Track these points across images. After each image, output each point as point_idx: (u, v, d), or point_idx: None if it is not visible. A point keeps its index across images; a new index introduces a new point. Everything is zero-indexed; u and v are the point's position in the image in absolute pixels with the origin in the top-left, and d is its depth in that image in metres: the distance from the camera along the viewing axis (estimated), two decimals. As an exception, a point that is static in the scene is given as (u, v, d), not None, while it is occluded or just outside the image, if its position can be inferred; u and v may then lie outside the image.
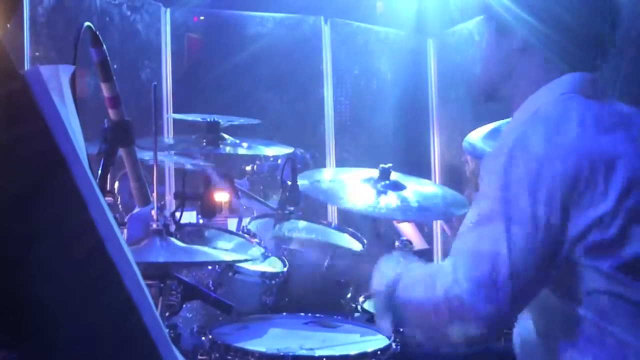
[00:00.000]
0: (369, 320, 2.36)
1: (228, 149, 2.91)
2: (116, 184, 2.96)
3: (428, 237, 4.80)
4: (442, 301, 1.42)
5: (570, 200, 1.39)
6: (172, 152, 3.39)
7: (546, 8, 1.54)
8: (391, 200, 2.71)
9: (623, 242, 1.40)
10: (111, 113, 1.60)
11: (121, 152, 1.66)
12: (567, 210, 1.39)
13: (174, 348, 0.81)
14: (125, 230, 2.78)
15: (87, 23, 1.46)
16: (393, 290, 1.57)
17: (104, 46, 1.52)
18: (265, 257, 2.64)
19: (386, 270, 1.64)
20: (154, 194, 2.01)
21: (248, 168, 4.76)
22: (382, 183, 2.79)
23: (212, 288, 2.40)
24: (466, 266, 1.41)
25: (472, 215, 1.47)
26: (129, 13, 4.41)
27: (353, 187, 2.80)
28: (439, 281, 1.44)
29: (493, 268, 1.38)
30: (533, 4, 1.55)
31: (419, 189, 2.87)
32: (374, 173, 2.84)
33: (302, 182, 2.84)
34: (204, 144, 2.90)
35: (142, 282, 0.78)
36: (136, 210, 2.68)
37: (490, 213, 1.43)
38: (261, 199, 3.49)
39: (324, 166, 4.82)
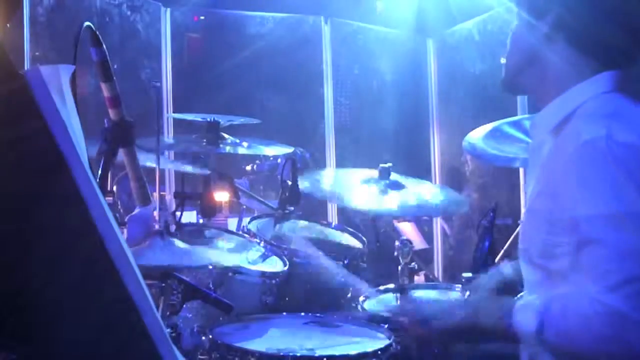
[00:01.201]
0: (369, 320, 2.36)
1: (228, 149, 2.91)
2: (115, 186, 2.96)
3: (428, 236, 4.80)
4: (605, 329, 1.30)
5: None
6: (172, 157, 3.39)
7: None
8: (391, 199, 2.71)
9: None
10: (111, 113, 1.60)
11: (121, 152, 1.65)
12: None
13: (174, 348, 0.81)
14: (125, 231, 2.78)
15: (87, 23, 1.46)
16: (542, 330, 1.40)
17: (104, 46, 1.52)
18: (265, 257, 2.64)
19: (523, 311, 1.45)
20: (156, 194, 2.01)
21: (248, 168, 4.77)
22: (382, 183, 2.79)
23: (212, 288, 2.40)
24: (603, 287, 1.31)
25: (594, 246, 1.35)
26: (129, 13, 4.41)
27: (353, 186, 2.80)
28: (594, 317, 1.31)
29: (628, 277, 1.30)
30: None
31: (418, 189, 2.87)
32: (374, 174, 2.84)
33: (302, 183, 2.84)
34: (204, 143, 2.90)
35: (143, 282, 0.79)
36: (136, 211, 2.69)
37: (598, 223, 1.34)
38: (261, 199, 3.49)
39: (324, 166, 4.82)
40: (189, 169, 2.93)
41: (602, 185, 1.36)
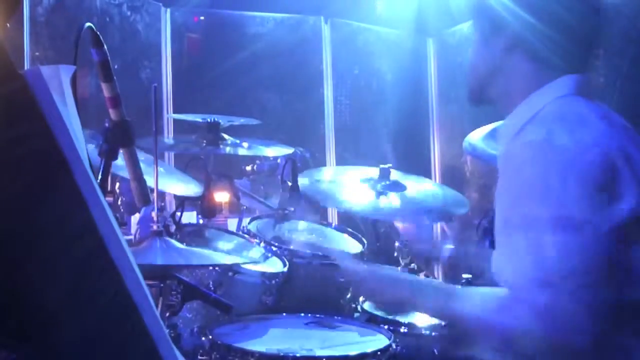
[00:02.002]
0: (368, 320, 2.36)
1: (228, 149, 2.91)
2: (117, 185, 2.96)
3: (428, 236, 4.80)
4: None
5: (605, 193, 1.38)
6: (172, 157, 3.39)
7: (538, 6, 1.54)
8: (391, 200, 2.71)
9: None
10: (112, 113, 1.60)
11: (121, 152, 1.65)
12: (604, 203, 1.37)
13: (174, 348, 0.81)
14: (137, 231, 2.79)
15: (88, 23, 1.46)
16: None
17: (105, 47, 1.52)
18: (265, 257, 2.64)
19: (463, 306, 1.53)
20: (155, 195, 2.01)
21: (248, 168, 4.76)
22: (382, 183, 2.79)
23: (212, 288, 2.40)
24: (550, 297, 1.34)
25: (519, 236, 1.41)
26: (129, 13, 4.41)
27: (352, 188, 2.80)
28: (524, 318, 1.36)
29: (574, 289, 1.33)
30: (526, 2, 1.55)
31: (418, 189, 2.87)
32: (374, 172, 2.84)
33: (302, 181, 2.84)
34: (204, 144, 2.90)
35: (143, 282, 0.79)
36: (143, 211, 2.69)
37: (532, 221, 1.39)
38: (261, 199, 3.49)
39: (324, 166, 4.82)
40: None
41: (532, 185, 1.41)
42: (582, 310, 1.32)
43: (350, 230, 3.03)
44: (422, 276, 3.07)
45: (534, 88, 1.57)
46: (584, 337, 1.33)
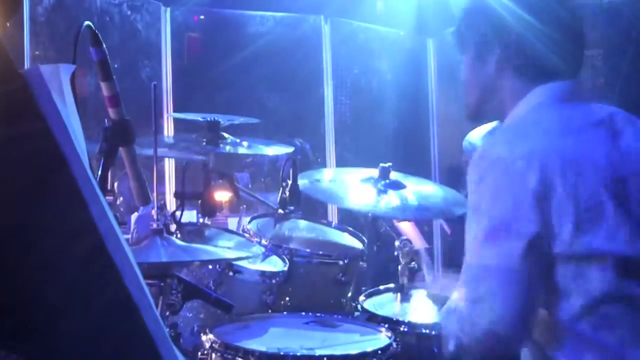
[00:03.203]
0: (369, 319, 2.36)
1: (228, 149, 2.91)
2: (116, 184, 2.96)
3: (428, 236, 4.80)
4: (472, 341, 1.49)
5: (545, 204, 1.43)
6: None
7: (516, 27, 1.61)
8: (391, 199, 2.71)
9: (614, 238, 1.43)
10: (111, 112, 1.60)
11: (121, 151, 1.65)
12: (545, 214, 1.43)
13: (174, 347, 0.81)
14: (134, 230, 2.79)
15: (87, 22, 1.46)
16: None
17: (104, 45, 1.52)
18: (265, 256, 2.64)
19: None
20: (154, 193, 2.01)
21: (248, 159, 4.76)
22: (382, 182, 2.79)
23: (213, 287, 2.40)
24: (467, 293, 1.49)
25: (469, 234, 1.53)
26: (129, 12, 4.41)
27: (353, 186, 2.80)
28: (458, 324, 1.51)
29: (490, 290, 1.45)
30: (505, 24, 1.62)
31: (418, 189, 2.87)
32: (374, 173, 2.84)
33: (302, 181, 2.84)
34: (204, 143, 2.90)
35: (143, 281, 0.78)
36: (140, 210, 2.69)
37: (481, 233, 1.48)
38: (261, 198, 3.49)
39: (324, 161, 4.82)
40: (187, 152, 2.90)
41: (472, 197, 1.52)
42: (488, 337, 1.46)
43: (350, 229, 3.03)
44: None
45: (516, 103, 1.65)
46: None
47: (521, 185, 1.44)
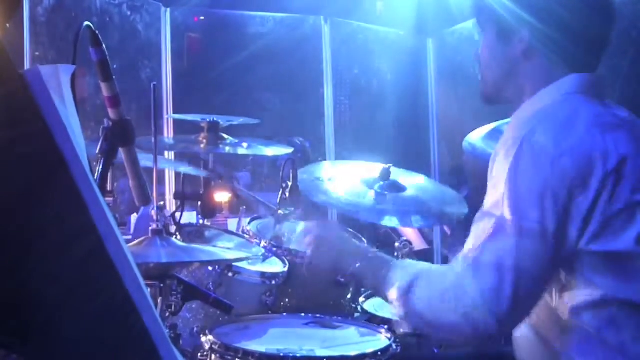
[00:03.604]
0: (369, 320, 2.36)
1: (228, 149, 2.90)
2: (115, 184, 2.96)
3: (428, 237, 4.80)
4: (461, 321, 1.45)
5: (577, 200, 1.41)
6: (172, 157, 3.38)
7: (550, 10, 1.55)
8: (390, 206, 2.70)
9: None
10: (111, 112, 1.60)
11: (121, 151, 1.65)
12: (571, 212, 1.41)
13: (173, 348, 0.81)
14: (135, 230, 2.79)
15: (86, 23, 1.46)
16: (408, 297, 1.55)
17: (104, 46, 1.52)
18: (265, 257, 2.64)
19: (397, 276, 1.61)
20: (154, 194, 2.01)
21: (249, 159, 4.77)
22: (381, 184, 2.79)
23: (212, 288, 2.39)
24: (477, 279, 1.44)
25: (484, 220, 1.49)
26: (129, 13, 4.41)
27: (351, 188, 2.79)
28: (458, 302, 1.45)
29: (500, 281, 1.41)
30: (536, 6, 1.56)
31: (418, 189, 2.86)
32: (373, 168, 2.83)
33: (302, 177, 2.84)
34: (204, 144, 2.90)
35: (142, 282, 0.78)
36: (141, 211, 2.68)
37: (500, 222, 1.44)
38: (261, 199, 3.49)
39: (324, 159, 4.82)
40: (187, 169, 2.93)
41: (513, 179, 1.45)
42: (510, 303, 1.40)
43: (350, 230, 3.03)
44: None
45: (543, 86, 1.59)
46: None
47: (563, 181, 1.41)
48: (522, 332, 1.61)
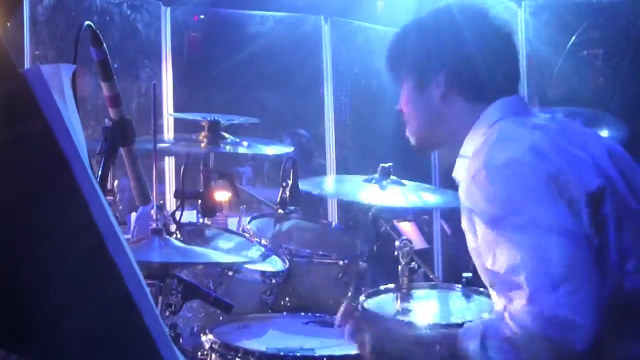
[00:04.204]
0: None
1: (228, 148, 2.91)
2: (115, 182, 2.96)
3: (428, 236, 4.80)
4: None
5: (569, 180, 1.46)
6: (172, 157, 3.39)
7: (461, 52, 1.63)
8: (392, 194, 2.70)
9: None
10: (111, 112, 1.60)
11: (121, 151, 1.65)
12: (572, 190, 1.45)
13: (174, 347, 0.81)
14: (135, 229, 2.79)
15: (87, 22, 1.46)
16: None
17: (104, 45, 1.52)
18: (265, 256, 2.64)
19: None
20: (154, 193, 2.01)
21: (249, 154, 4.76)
22: (383, 182, 2.79)
23: (212, 287, 2.40)
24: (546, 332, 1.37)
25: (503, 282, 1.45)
26: (129, 12, 4.41)
27: (355, 183, 2.80)
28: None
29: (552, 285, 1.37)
30: (449, 50, 1.64)
31: (418, 190, 2.87)
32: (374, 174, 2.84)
33: (302, 183, 2.85)
34: (204, 142, 2.90)
35: (143, 282, 0.78)
36: (140, 209, 2.68)
37: (510, 242, 1.43)
38: (261, 198, 3.49)
39: (324, 159, 4.82)
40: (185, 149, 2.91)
41: (496, 202, 1.47)
42: (581, 312, 1.34)
43: (350, 229, 3.03)
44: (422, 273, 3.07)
45: (472, 123, 1.65)
46: (585, 338, 1.35)
47: (537, 175, 1.45)
48: None
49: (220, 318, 2.28)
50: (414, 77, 1.70)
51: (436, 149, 1.75)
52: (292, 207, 2.88)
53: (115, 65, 1.57)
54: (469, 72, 1.63)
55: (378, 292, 2.60)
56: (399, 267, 2.53)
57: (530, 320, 1.36)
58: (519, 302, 1.39)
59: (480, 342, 1.45)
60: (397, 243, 2.58)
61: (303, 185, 2.83)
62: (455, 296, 2.41)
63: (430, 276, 2.91)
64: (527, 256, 1.39)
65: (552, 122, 1.66)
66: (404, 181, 2.85)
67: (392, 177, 2.80)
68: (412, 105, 1.73)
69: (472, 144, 1.64)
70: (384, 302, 2.50)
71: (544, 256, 1.38)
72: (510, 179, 1.47)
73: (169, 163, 4.30)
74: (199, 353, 2.01)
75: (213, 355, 1.96)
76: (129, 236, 2.86)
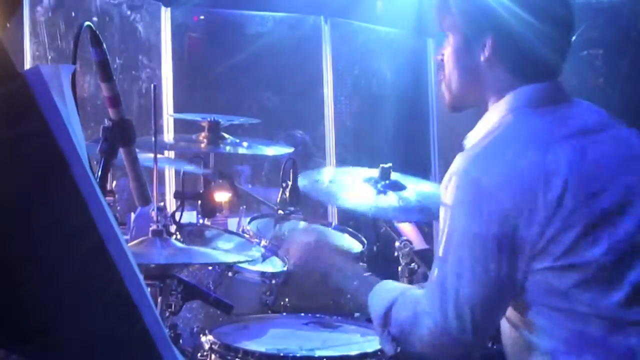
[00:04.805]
0: (369, 320, 2.35)
1: (228, 149, 2.90)
2: (114, 183, 2.96)
3: (428, 237, 4.80)
4: (426, 336, 1.54)
5: (518, 225, 1.43)
6: (172, 157, 3.39)
7: (514, 17, 1.57)
8: (391, 200, 2.70)
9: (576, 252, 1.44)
10: (111, 112, 1.59)
11: (121, 151, 1.65)
12: (517, 237, 1.44)
13: (174, 348, 0.81)
14: (133, 229, 2.79)
15: (87, 23, 1.46)
16: (387, 317, 1.64)
17: (104, 46, 1.52)
18: (265, 257, 2.64)
19: (381, 296, 1.69)
20: (154, 194, 2.01)
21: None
22: (382, 183, 2.78)
23: (212, 288, 2.39)
24: (435, 302, 1.51)
25: (441, 243, 1.55)
26: (129, 12, 4.41)
27: (353, 187, 2.79)
28: (422, 320, 1.54)
29: (456, 303, 1.48)
30: (501, 13, 1.58)
31: (418, 189, 2.86)
32: (374, 173, 2.83)
33: (302, 182, 2.84)
34: (204, 143, 2.90)
35: (143, 282, 0.78)
36: (138, 210, 2.68)
37: (449, 246, 1.52)
38: (261, 198, 3.49)
39: (324, 158, 4.82)
40: (188, 168, 2.93)
41: (445, 216, 1.53)
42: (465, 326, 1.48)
43: (350, 230, 3.03)
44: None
45: (502, 96, 1.61)
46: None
47: (495, 206, 1.44)
48: (503, 329, 1.64)
49: (220, 319, 2.28)
50: (460, 33, 1.65)
51: (467, 109, 1.73)
52: (292, 208, 2.88)
53: (115, 66, 1.57)
54: (519, 38, 1.57)
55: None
56: (399, 268, 2.54)
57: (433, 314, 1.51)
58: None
59: (385, 311, 1.63)
60: (397, 244, 2.58)
61: (301, 182, 2.82)
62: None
63: (430, 276, 2.90)
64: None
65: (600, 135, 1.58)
66: (404, 181, 2.85)
67: (392, 176, 2.80)
68: (455, 62, 1.68)
69: (481, 129, 1.63)
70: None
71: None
72: (467, 199, 1.48)
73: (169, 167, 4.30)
74: (199, 354, 2.01)
75: (213, 356, 1.96)
76: (128, 237, 2.86)
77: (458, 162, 1.53)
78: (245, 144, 2.97)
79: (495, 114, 1.60)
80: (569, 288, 1.44)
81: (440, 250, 1.54)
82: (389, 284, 1.76)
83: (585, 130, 1.55)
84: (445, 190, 1.53)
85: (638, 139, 1.61)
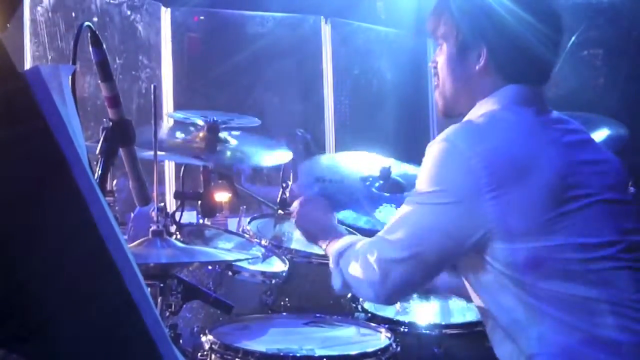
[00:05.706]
0: (369, 319, 2.36)
1: (228, 154, 2.90)
2: (114, 182, 2.96)
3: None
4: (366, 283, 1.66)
5: (496, 201, 1.47)
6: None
7: (507, 27, 1.60)
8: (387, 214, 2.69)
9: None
10: (111, 112, 1.60)
11: (121, 151, 1.65)
12: (492, 210, 1.48)
13: (174, 348, 0.81)
14: (131, 229, 2.79)
15: (87, 23, 1.46)
16: (339, 257, 1.77)
17: (104, 46, 1.52)
18: (265, 257, 2.64)
19: (343, 241, 1.81)
20: (154, 195, 2.01)
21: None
22: (381, 182, 2.78)
23: (212, 288, 2.40)
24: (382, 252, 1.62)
25: (401, 207, 1.63)
26: (128, 13, 4.41)
27: (350, 189, 2.78)
28: (366, 270, 1.64)
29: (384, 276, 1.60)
30: (495, 23, 1.61)
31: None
32: (374, 159, 2.82)
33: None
34: (204, 143, 2.89)
35: (143, 282, 0.78)
36: (136, 210, 2.68)
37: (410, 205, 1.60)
38: (261, 199, 3.49)
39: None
40: (188, 160, 2.92)
41: (425, 173, 1.58)
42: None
43: (350, 229, 3.02)
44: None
45: (489, 96, 1.65)
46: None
47: (472, 182, 1.48)
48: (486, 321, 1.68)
49: (220, 319, 2.28)
50: (455, 42, 1.67)
51: (459, 115, 1.75)
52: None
53: (115, 66, 1.57)
54: (512, 47, 1.61)
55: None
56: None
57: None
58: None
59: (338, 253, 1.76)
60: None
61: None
62: (455, 296, 2.41)
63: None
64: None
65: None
66: (404, 181, 2.84)
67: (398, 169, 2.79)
68: (449, 69, 1.70)
69: (472, 116, 1.68)
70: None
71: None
72: (443, 166, 1.54)
73: (169, 164, 4.30)
74: (199, 354, 2.01)
75: (213, 356, 1.96)
76: (126, 237, 2.86)
77: (451, 131, 1.57)
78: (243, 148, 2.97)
79: (483, 108, 1.64)
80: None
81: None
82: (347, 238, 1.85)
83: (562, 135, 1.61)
84: (426, 159, 1.59)
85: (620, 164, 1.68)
